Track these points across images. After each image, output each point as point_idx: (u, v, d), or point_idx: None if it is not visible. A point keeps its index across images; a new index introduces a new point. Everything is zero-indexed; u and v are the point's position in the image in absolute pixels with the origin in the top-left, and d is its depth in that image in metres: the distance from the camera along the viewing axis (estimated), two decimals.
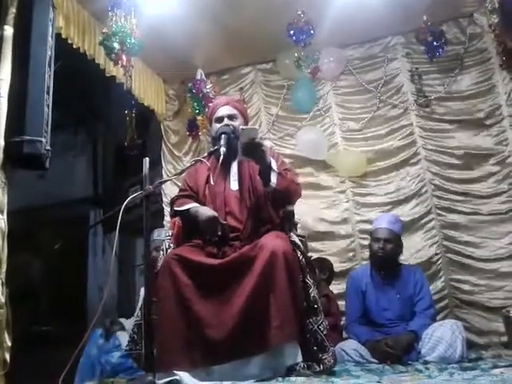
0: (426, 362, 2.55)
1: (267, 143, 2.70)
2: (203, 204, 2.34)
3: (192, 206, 2.30)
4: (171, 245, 2.40)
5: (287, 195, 2.27)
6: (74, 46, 3.07)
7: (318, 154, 3.91)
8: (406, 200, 3.73)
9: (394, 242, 2.98)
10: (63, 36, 2.92)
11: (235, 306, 1.97)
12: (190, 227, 2.31)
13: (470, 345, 2.84)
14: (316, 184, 3.94)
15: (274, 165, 2.21)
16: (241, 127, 2.22)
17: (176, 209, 2.35)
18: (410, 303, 2.91)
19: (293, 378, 1.86)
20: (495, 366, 2.30)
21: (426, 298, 2.90)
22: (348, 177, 3.87)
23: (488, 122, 3.60)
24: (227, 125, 2.39)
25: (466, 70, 3.71)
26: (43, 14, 2.32)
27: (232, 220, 2.28)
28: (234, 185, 2.37)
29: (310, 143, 3.90)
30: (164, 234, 3.10)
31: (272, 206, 2.30)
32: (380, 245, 2.96)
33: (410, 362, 2.57)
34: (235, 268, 2.05)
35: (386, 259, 2.96)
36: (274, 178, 2.18)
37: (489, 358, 2.69)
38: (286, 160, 2.74)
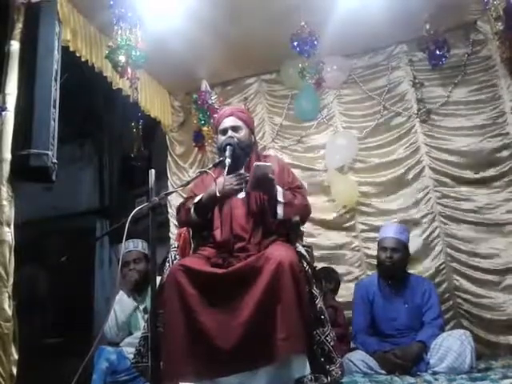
0: (434, 373, 2.53)
1: (272, 152, 2.70)
2: (211, 213, 2.36)
3: (200, 196, 2.35)
4: (177, 256, 2.40)
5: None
6: (83, 59, 3.10)
7: (340, 159, 3.89)
8: (410, 209, 3.71)
9: (402, 251, 2.97)
10: (71, 49, 2.96)
11: (241, 317, 1.96)
12: (205, 216, 2.35)
13: (478, 355, 2.79)
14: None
15: (280, 195, 2.25)
16: (255, 164, 2.24)
17: (190, 206, 2.37)
18: (418, 313, 2.88)
19: None
20: (505, 377, 2.29)
21: (434, 308, 2.88)
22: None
23: (492, 129, 3.59)
24: (231, 137, 2.40)
25: (469, 77, 3.70)
26: (49, 29, 2.35)
27: (238, 229, 2.29)
28: (240, 194, 2.38)
29: (341, 148, 3.88)
30: (141, 246, 3.09)
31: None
32: (387, 254, 2.95)
33: (418, 373, 2.56)
34: (241, 278, 2.04)
35: (393, 269, 2.95)
36: (280, 210, 2.23)
37: (498, 369, 2.65)
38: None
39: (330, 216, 3.89)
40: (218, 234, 2.30)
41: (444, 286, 3.49)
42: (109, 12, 2.82)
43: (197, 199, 2.36)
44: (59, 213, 5.35)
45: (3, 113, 2.18)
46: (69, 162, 5.45)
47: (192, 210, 2.35)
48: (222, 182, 2.26)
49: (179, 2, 3.08)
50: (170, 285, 2.09)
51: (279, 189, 2.27)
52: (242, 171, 2.43)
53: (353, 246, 3.81)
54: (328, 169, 3.90)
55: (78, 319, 4.73)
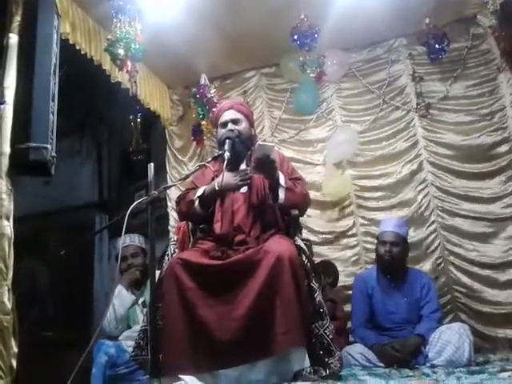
0: (433, 366, 2.54)
1: (272, 144, 2.71)
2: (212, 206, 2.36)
3: (203, 188, 2.36)
4: (176, 250, 2.41)
5: (295, 209, 2.31)
6: (82, 52, 3.09)
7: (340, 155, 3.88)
8: (408, 203, 3.70)
9: (401, 245, 2.98)
10: (71, 42, 2.95)
11: (240, 310, 1.97)
12: (207, 209, 2.35)
13: (477, 348, 2.80)
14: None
15: (282, 179, 2.25)
16: (258, 143, 2.24)
17: (193, 198, 2.36)
18: (416, 307, 2.89)
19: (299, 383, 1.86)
20: (503, 370, 2.29)
21: (432, 302, 2.89)
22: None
23: (491, 123, 3.58)
24: (231, 130, 2.40)
25: (469, 71, 3.69)
26: (48, 22, 2.33)
27: (238, 222, 2.29)
28: (242, 188, 2.38)
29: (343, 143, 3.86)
30: (137, 240, 3.10)
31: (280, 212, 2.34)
32: (386, 248, 2.95)
33: (417, 366, 2.57)
34: (239, 270, 2.05)
35: (392, 263, 2.96)
36: (281, 194, 2.23)
37: (496, 362, 2.67)
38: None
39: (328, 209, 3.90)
40: (218, 226, 2.30)
41: (442, 279, 3.49)
42: (108, 5, 2.81)
43: (200, 192, 2.36)
44: (58, 207, 5.34)
45: (2, 106, 2.17)
46: (68, 156, 5.44)
47: (196, 202, 2.35)
48: (225, 176, 2.25)
49: None
50: (168, 278, 2.10)
51: (281, 174, 2.27)
52: (244, 166, 2.43)
53: (351, 239, 3.81)
54: (326, 163, 3.89)
55: (78, 313, 4.74)
